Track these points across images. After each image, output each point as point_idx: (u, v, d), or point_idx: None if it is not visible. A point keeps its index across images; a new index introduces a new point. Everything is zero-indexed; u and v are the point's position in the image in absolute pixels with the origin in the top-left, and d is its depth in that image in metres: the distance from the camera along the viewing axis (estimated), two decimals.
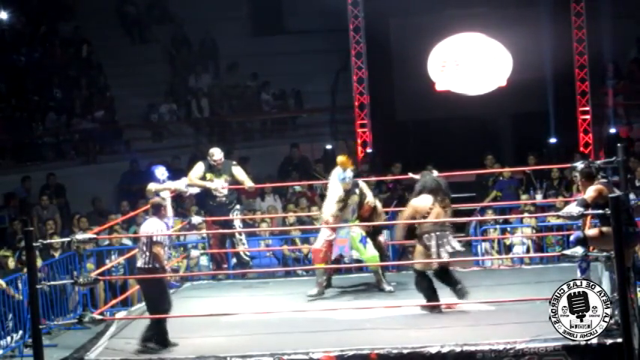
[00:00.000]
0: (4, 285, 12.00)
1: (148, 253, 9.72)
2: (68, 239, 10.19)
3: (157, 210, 9.98)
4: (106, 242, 14.38)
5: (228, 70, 21.33)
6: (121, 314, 11.54)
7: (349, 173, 11.41)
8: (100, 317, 9.87)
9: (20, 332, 12.12)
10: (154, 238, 9.71)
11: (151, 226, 9.84)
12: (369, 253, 11.46)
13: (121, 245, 14.30)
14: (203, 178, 12.65)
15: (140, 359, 9.44)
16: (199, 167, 12.73)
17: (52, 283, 11.47)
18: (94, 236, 10.32)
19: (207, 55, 21.65)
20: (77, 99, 20.15)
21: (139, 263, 9.84)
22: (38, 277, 9.96)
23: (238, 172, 12.76)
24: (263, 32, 21.90)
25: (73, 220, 16.06)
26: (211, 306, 11.23)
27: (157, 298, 9.76)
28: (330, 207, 11.45)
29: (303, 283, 12.66)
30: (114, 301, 12.51)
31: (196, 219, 12.96)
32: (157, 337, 9.71)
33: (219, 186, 12.63)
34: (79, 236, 10.00)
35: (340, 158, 11.52)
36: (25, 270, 10.01)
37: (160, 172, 12.89)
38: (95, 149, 19.70)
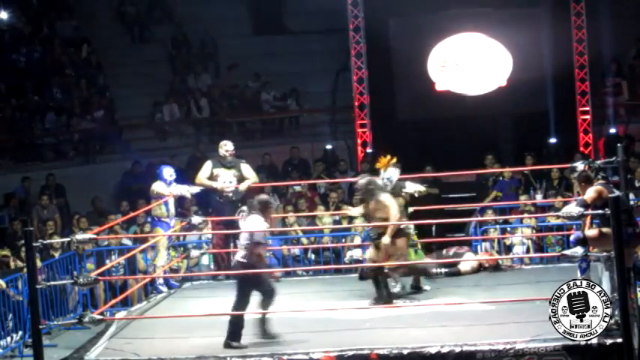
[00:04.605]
0: (4, 285, 11.99)
1: (249, 250, 9.72)
2: (68, 239, 10.18)
3: (265, 208, 9.95)
4: (106, 242, 14.39)
5: (228, 70, 21.31)
6: (121, 314, 11.54)
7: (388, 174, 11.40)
8: (100, 317, 9.85)
9: (20, 332, 12.11)
10: (256, 239, 9.71)
11: (256, 225, 9.81)
12: None
13: (121, 245, 14.30)
14: (211, 175, 12.70)
15: (140, 359, 9.44)
16: (207, 166, 12.81)
17: (52, 283, 11.47)
18: (94, 236, 10.31)
19: (207, 55, 21.64)
20: (77, 99, 20.13)
21: (238, 256, 9.84)
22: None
23: (247, 169, 12.86)
24: (263, 32, 21.90)
25: (73, 220, 16.07)
26: (211, 306, 11.22)
27: (252, 290, 9.73)
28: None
29: (303, 283, 12.68)
30: (114, 301, 12.49)
31: (196, 219, 12.97)
32: (233, 331, 9.67)
33: (227, 181, 12.66)
34: (79, 236, 9.99)
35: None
36: (25, 270, 9.99)
37: (168, 172, 12.92)
38: (95, 149, 19.69)
